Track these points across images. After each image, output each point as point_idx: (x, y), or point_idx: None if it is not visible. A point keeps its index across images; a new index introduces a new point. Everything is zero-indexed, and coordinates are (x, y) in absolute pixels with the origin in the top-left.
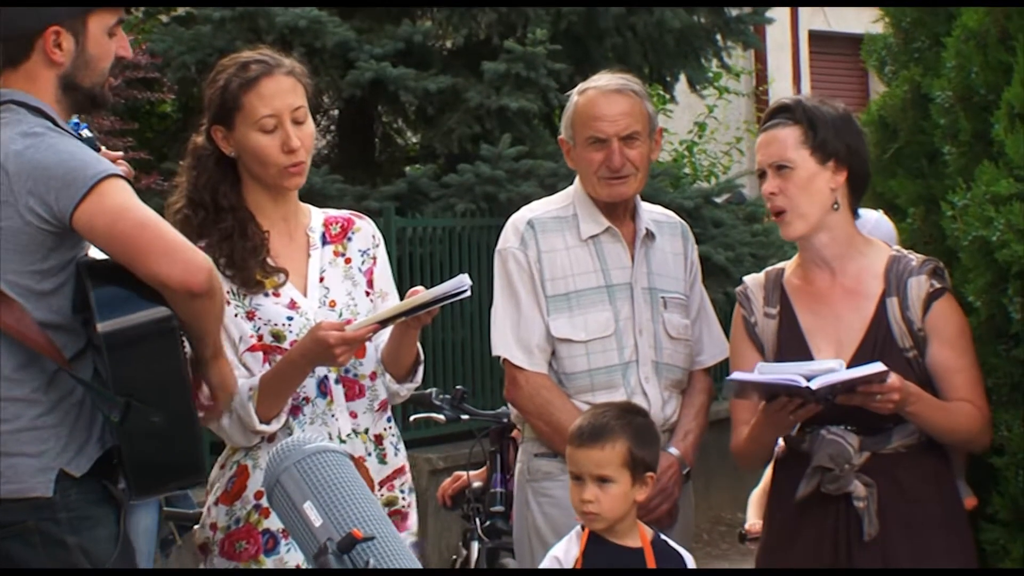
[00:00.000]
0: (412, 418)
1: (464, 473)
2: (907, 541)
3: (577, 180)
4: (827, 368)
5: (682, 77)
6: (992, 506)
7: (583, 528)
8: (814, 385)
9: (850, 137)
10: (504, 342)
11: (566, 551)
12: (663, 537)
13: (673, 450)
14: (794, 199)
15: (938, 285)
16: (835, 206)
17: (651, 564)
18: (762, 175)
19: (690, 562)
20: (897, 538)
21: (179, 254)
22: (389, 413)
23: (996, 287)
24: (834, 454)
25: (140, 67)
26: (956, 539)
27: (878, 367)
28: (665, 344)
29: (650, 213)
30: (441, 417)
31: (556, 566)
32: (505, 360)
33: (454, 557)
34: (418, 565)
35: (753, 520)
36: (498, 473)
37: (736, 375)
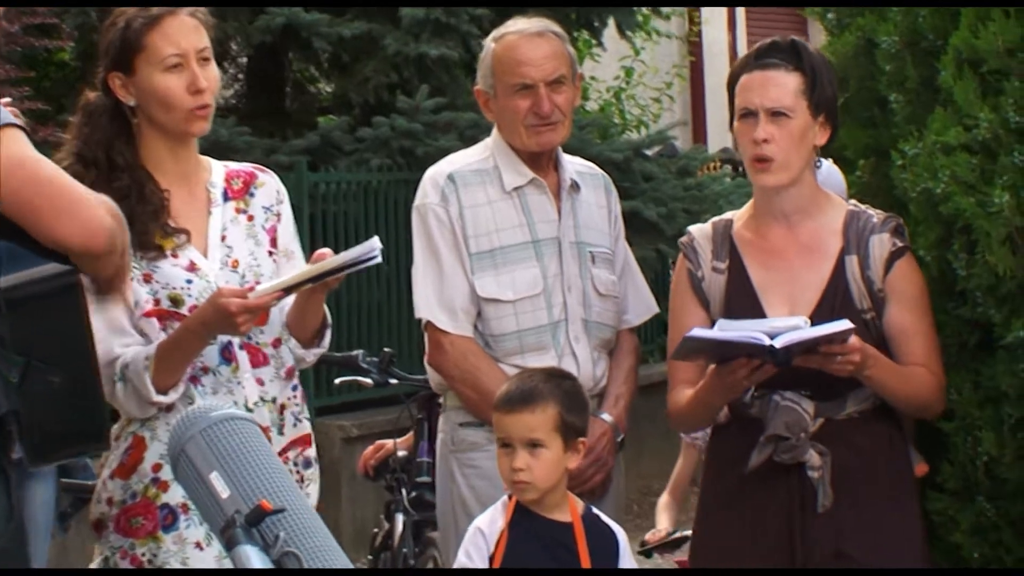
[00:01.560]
0: (337, 381)
1: (387, 441)
2: (859, 512)
3: (495, 131)
4: (791, 325)
5: (611, 22)
6: (940, 474)
7: (509, 498)
8: (778, 343)
9: (835, 92)
10: (426, 304)
11: (491, 522)
12: (595, 511)
13: (606, 416)
14: (786, 150)
15: (900, 244)
16: (817, 163)
17: (580, 540)
18: (745, 115)
19: (622, 538)
20: (849, 509)
21: (78, 213)
22: (295, 381)
23: (944, 242)
24: (790, 422)
25: (37, 13)
26: (907, 508)
27: (845, 324)
28: (594, 301)
29: (572, 164)
30: (368, 381)
31: (480, 538)
32: (427, 323)
33: (375, 530)
34: (331, 538)
35: (662, 525)
36: (425, 441)
37: (696, 332)
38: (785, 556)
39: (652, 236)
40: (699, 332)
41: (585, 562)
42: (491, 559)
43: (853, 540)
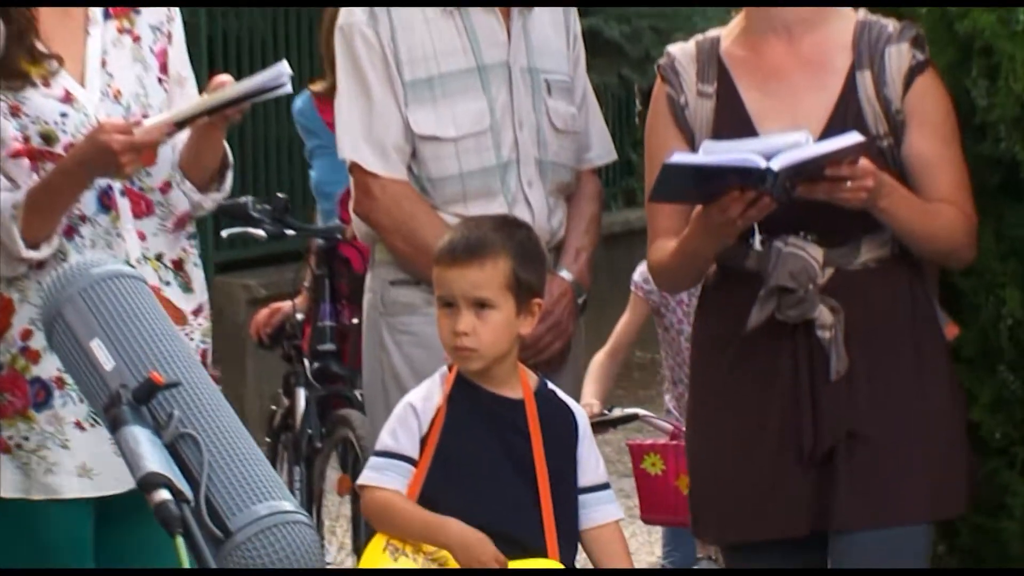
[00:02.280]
0: (224, 233)
1: (284, 303)
2: (878, 381)
3: None
4: (791, 142)
5: None
6: (956, 340)
7: (449, 369)
8: (776, 165)
9: None
10: (352, 142)
11: (425, 398)
12: (550, 386)
13: (565, 273)
14: None
15: (921, 56)
16: None
17: (532, 419)
18: None
19: (581, 418)
20: (867, 378)
21: None
22: (191, 229)
23: (961, 67)
24: (796, 271)
25: None
26: (933, 376)
27: (855, 137)
28: (550, 139)
29: None
30: (260, 232)
31: (412, 416)
32: (353, 165)
33: (272, 408)
34: (234, 417)
35: (589, 399)
36: (327, 303)
37: (677, 157)
38: (791, 439)
39: (614, 59)
40: (681, 157)
41: (537, 445)
42: (423, 441)
43: (870, 418)
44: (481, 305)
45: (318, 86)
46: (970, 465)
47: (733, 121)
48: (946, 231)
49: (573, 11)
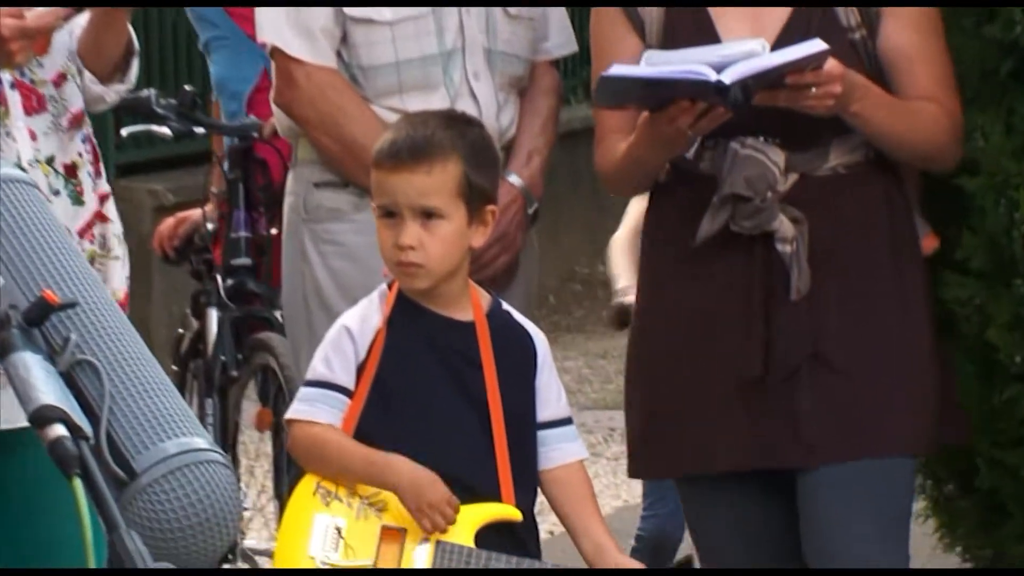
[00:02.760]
0: (124, 132)
1: (191, 212)
2: (845, 300)
3: None
4: (744, 52)
5: None
6: (962, 250)
7: (389, 288)
8: (727, 78)
9: None
10: (272, 24)
11: (362, 320)
12: (505, 307)
13: (514, 178)
14: None
15: None
16: None
17: (484, 345)
18: None
19: (541, 343)
20: (832, 297)
21: None
22: (86, 130)
23: None
24: (752, 177)
25: None
26: (912, 296)
27: (817, 45)
28: (501, 25)
29: None
30: (166, 130)
31: (347, 341)
32: (275, 50)
33: (180, 332)
34: (140, 343)
35: (625, 282)
36: (241, 211)
37: (616, 69)
38: (744, 361)
39: None
40: (620, 70)
41: (490, 375)
42: (360, 370)
43: (838, 342)
44: (428, 215)
45: None
46: (949, 397)
47: (687, 13)
48: (926, 133)
49: None
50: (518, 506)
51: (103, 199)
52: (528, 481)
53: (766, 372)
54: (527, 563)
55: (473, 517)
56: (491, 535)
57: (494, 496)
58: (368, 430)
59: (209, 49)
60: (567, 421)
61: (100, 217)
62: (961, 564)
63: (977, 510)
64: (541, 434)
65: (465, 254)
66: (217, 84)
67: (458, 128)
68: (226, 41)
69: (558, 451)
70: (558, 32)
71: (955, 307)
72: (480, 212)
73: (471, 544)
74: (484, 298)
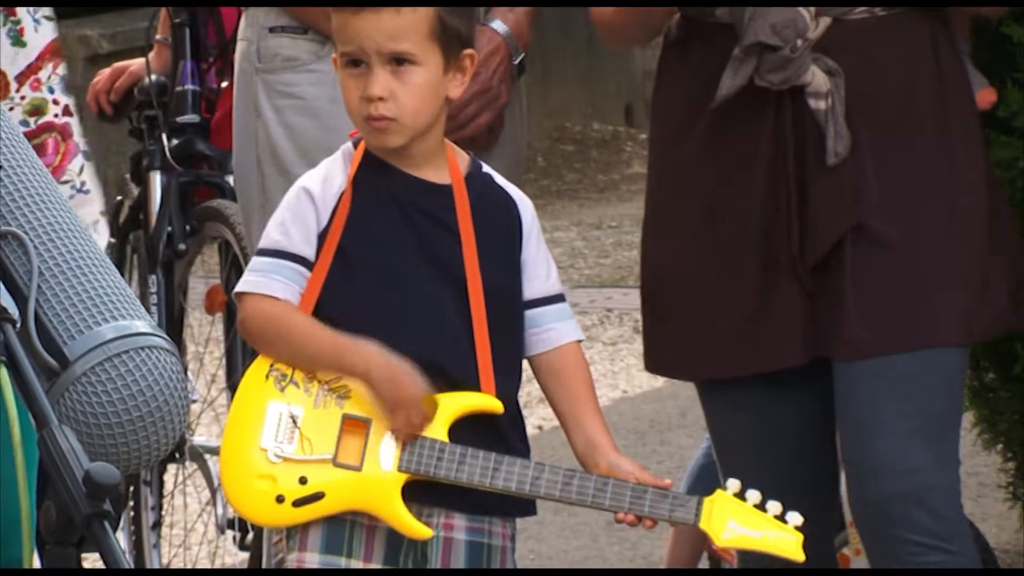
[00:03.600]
0: None
1: (131, 62)
2: (889, 164)
3: None
4: None
5: None
6: (1006, 105)
7: (355, 147)
8: None
9: None
10: None
11: (325, 180)
12: (486, 169)
13: (497, 24)
14: None
15: None
16: None
17: (463, 210)
18: None
19: (526, 208)
20: (873, 158)
21: None
22: None
23: None
24: (779, 23)
25: None
26: (965, 157)
27: None
28: None
29: None
30: None
31: (307, 204)
32: None
33: (119, 199)
34: (72, 212)
35: None
36: (187, 61)
37: None
38: (776, 239)
39: None
40: None
41: (468, 243)
42: (323, 237)
43: (883, 213)
44: (399, 61)
45: None
46: (1019, 273)
47: None
48: None
49: None
50: (499, 396)
51: (51, 47)
52: (512, 367)
53: (802, 251)
54: (506, 460)
55: (447, 408)
56: (467, 428)
57: (472, 384)
58: (329, 306)
59: None
60: (559, 299)
61: (56, 54)
62: (1002, 464)
63: (1018, 401)
64: (529, 314)
65: (442, 106)
66: None
67: None
68: None
69: (549, 333)
70: None
71: (998, 170)
72: (457, 57)
73: (444, 439)
74: (462, 160)
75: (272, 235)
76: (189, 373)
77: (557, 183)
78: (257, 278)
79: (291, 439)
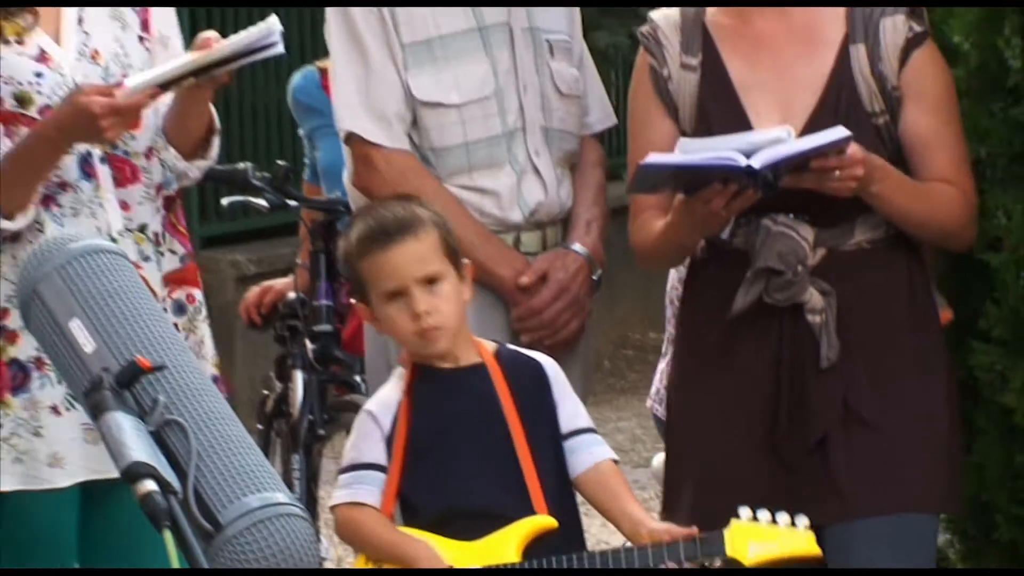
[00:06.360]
0: (225, 202)
1: (276, 282)
2: (872, 367)
3: None
4: (772, 139)
5: None
6: (986, 319)
7: (405, 366)
8: (756, 163)
9: None
10: (350, 112)
11: (382, 400)
12: (512, 347)
13: (578, 247)
14: None
15: (919, 28)
16: None
17: (499, 379)
18: None
19: (548, 365)
20: (860, 363)
21: None
22: (168, 202)
23: (989, 24)
24: (784, 252)
25: None
26: (933, 363)
27: (840, 132)
28: (555, 104)
29: None
30: (262, 202)
31: (370, 423)
32: (351, 136)
33: (265, 393)
34: (223, 403)
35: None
36: (323, 281)
37: (653, 159)
38: (777, 424)
39: (625, 18)
40: (656, 159)
41: (507, 401)
42: (390, 442)
43: (864, 402)
44: (431, 281)
45: (326, 63)
46: (961, 462)
47: (718, 96)
48: (943, 213)
49: None
50: (553, 515)
51: (189, 266)
52: (562, 491)
53: (799, 435)
54: (575, 557)
55: (515, 537)
56: (540, 548)
57: (530, 514)
58: (408, 492)
59: (314, 137)
60: (591, 430)
61: (187, 281)
62: None
63: (1000, 563)
64: (567, 444)
65: (464, 308)
66: (324, 169)
67: (409, 200)
68: (331, 129)
69: (586, 455)
70: (598, 107)
71: (979, 373)
72: (461, 268)
73: (519, 559)
74: (489, 345)
75: (348, 455)
76: (321, 536)
77: (620, 381)
78: (344, 491)
79: None
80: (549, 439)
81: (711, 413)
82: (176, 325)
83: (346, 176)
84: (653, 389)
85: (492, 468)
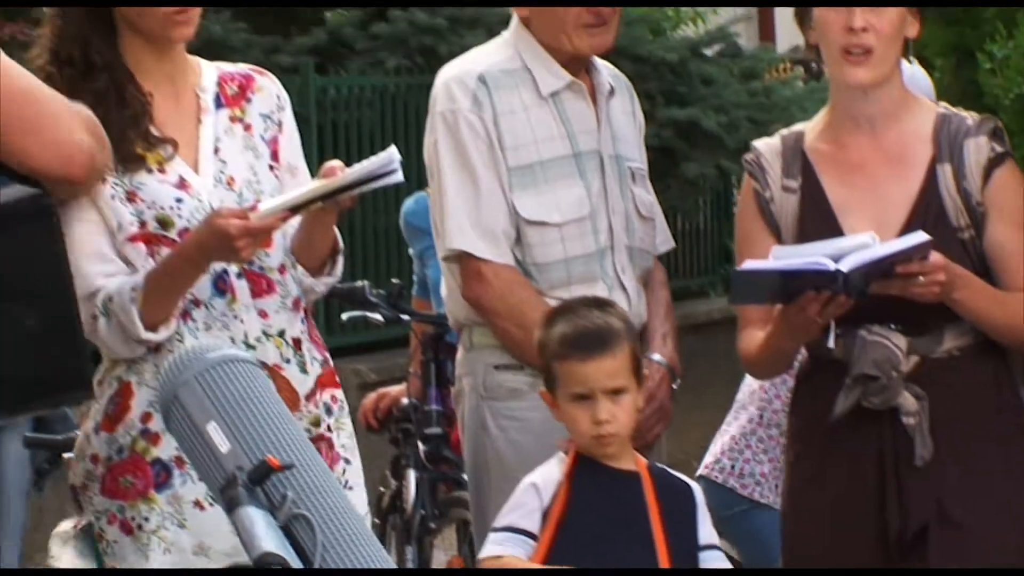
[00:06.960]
0: (345, 316)
1: (391, 388)
2: (963, 467)
3: (517, 26)
4: (858, 244)
5: None
6: None
7: (566, 452)
8: (845, 266)
9: None
10: (460, 231)
11: (545, 477)
12: (658, 464)
13: (658, 358)
14: (885, 40)
15: (1000, 149)
16: (910, 59)
17: (651, 491)
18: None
19: (698, 493)
20: (952, 463)
21: (51, 133)
22: (303, 314)
23: None
24: (879, 359)
25: None
26: (1019, 465)
27: (920, 236)
28: (637, 225)
29: (604, 65)
30: (378, 317)
31: (532, 494)
32: (461, 253)
33: (380, 490)
34: (345, 499)
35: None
36: (433, 388)
37: (748, 265)
38: (879, 516)
39: (712, 149)
40: (752, 265)
41: (656, 519)
42: (546, 516)
43: (957, 501)
44: (616, 392)
45: None
46: None
47: (817, 215)
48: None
49: (637, 101)
50: None
51: (328, 371)
52: None
53: (901, 531)
54: None
55: None
56: None
57: None
58: (552, 565)
59: (424, 256)
60: (716, 547)
61: (330, 384)
62: None
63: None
64: (700, 556)
65: (635, 416)
66: (434, 286)
67: (615, 312)
68: None
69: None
70: (662, 231)
71: None
72: (640, 375)
73: None
74: (642, 459)
75: (505, 518)
76: None
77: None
78: (494, 546)
79: None
80: (686, 553)
81: (822, 506)
82: (328, 426)
83: (444, 291)
84: (712, 458)
85: (632, 564)
